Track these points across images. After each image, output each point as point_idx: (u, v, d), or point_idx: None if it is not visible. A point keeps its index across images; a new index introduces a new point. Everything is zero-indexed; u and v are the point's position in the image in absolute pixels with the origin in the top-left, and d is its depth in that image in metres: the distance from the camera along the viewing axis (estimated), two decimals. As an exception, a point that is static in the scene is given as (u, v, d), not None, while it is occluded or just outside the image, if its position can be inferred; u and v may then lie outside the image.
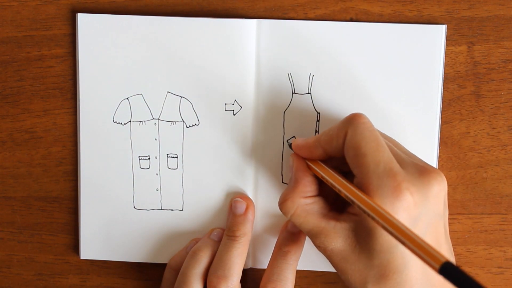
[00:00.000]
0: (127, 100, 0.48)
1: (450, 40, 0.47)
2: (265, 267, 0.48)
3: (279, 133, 0.48)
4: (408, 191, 0.39)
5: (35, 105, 0.49)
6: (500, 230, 0.48)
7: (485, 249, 0.48)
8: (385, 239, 0.39)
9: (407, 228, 0.36)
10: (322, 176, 0.42)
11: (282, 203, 0.43)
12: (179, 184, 0.49)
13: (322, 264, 0.48)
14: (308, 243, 0.48)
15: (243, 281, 0.48)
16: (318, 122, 0.47)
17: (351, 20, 0.47)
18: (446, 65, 0.47)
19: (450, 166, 0.48)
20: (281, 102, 0.47)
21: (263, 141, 0.48)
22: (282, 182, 0.48)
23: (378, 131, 0.42)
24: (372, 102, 0.47)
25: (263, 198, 0.48)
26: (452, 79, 0.47)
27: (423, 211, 0.39)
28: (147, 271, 0.51)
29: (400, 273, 0.40)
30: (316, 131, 0.47)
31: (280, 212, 0.48)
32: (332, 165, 0.43)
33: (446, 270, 0.33)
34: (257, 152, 0.48)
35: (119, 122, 0.48)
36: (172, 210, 0.49)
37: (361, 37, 0.46)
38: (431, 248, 0.34)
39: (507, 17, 0.46)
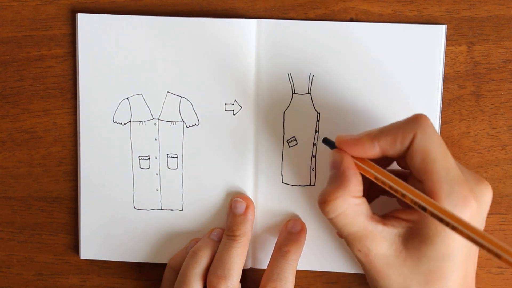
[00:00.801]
0: (127, 100, 0.48)
1: (450, 40, 0.47)
2: (265, 267, 0.48)
3: (279, 133, 0.48)
4: (474, 198, 0.39)
5: (35, 105, 0.49)
6: (500, 230, 0.48)
7: (485, 249, 0.48)
8: (442, 247, 0.39)
9: (487, 234, 0.36)
10: (376, 178, 0.40)
11: (329, 201, 0.40)
12: (179, 184, 0.49)
13: (322, 264, 0.48)
14: (308, 243, 0.48)
15: (243, 281, 0.48)
16: (318, 122, 0.47)
17: (351, 20, 0.47)
18: (446, 65, 0.47)
19: (450, 166, 0.48)
20: (281, 102, 0.47)
21: (263, 141, 0.48)
22: (282, 182, 0.48)
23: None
24: (372, 102, 0.47)
25: (263, 198, 0.48)
26: (452, 79, 0.47)
27: (480, 219, 0.41)
28: (147, 271, 0.51)
29: (447, 279, 0.40)
30: (316, 131, 0.47)
31: (280, 212, 0.48)
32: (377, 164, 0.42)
33: None
34: (257, 152, 0.48)
35: (119, 122, 0.48)
36: (172, 210, 0.49)
37: (361, 37, 0.46)
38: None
39: (507, 17, 0.46)
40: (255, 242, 0.49)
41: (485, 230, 0.48)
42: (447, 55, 0.47)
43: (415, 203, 0.38)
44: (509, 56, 0.47)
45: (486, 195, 0.41)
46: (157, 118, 0.48)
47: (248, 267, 0.49)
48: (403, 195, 0.39)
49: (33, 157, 0.50)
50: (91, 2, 0.48)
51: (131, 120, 0.48)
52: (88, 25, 0.48)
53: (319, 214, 0.48)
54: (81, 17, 0.48)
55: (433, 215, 0.38)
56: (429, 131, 0.39)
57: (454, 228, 0.37)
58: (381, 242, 0.41)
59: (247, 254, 0.48)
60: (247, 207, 0.47)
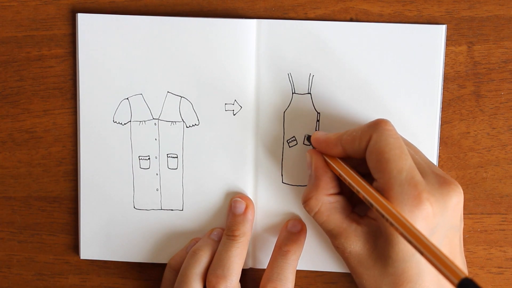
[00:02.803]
0: (127, 100, 0.48)
1: (450, 40, 0.47)
2: (265, 267, 0.48)
3: (279, 133, 0.48)
4: (428, 201, 0.39)
5: (35, 105, 0.49)
6: (500, 230, 0.48)
7: (485, 249, 0.48)
8: (401, 248, 0.39)
9: (426, 239, 0.35)
10: (340, 174, 0.42)
11: (305, 201, 0.43)
12: (179, 184, 0.49)
13: (322, 264, 0.48)
14: (308, 243, 0.48)
15: (243, 281, 0.48)
16: (318, 122, 0.47)
17: (351, 20, 0.47)
18: (446, 65, 0.47)
19: (450, 166, 0.48)
20: (281, 102, 0.47)
21: (263, 141, 0.48)
22: (282, 182, 0.48)
23: (402, 138, 0.42)
24: (372, 102, 0.47)
25: (263, 198, 0.48)
26: (452, 79, 0.47)
27: (441, 222, 0.40)
28: (147, 271, 0.51)
29: (414, 283, 0.40)
30: (316, 131, 0.47)
31: (280, 212, 0.48)
32: (350, 164, 0.43)
33: (465, 286, 0.32)
34: (257, 152, 0.48)
35: (119, 122, 0.48)
36: (172, 210, 0.49)
37: (361, 37, 0.46)
38: (451, 262, 0.33)
39: (507, 17, 0.46)
40: (255, 242, 0.49)
41: (485, 230, 0.48)
42: (447, 55, 0.47)
43: (365, 199, 0.40)
44: (509, 56, 0.47)
45: (452, 198, 0.40)
46: (157, 118, 0.48)
47: (248, 267, 0.49)
48: (357, 191, 0.40)
49: (33, 157, 0.50)
50: (91, 2, 0.48)
51: (131, 120, 0.48)
52: (88, 25, 0.48)
53: (319, 214, 0.48)
54: (81, 17, 0.48)
55: (378, 212, 0.38)
56: (386, 134, 0.40)
57: (392, 225, 0.37)
58: (355, 240, 0.42)
59: (247, 254, 0.48)
60: (246, 207, 0.47)
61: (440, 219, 0.39)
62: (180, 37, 0.47)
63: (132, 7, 0.48)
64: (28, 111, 0.50)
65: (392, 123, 0.46)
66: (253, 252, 0.49)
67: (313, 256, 0.48)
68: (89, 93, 0.48)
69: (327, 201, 0.42)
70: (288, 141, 0.48)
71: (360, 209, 0.44)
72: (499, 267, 0.48)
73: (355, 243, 0.42)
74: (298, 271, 0.48)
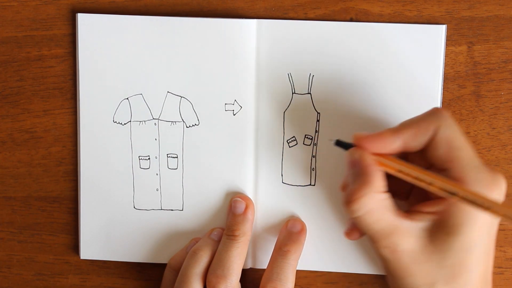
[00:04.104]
0: (127, 100, 0.48)
1: (450, 40, 0.47)
2: (265, 267, 0.48)
3: (279, 133, 0.48)
4: (504, 182, 0.40)
5: (35, 105, 0.49)
6: (500, 230, 0.48)
7: (485, 249, 0.48)
8: (467, 237, 0.40)
9: None
10: (400, 170, 0.40)
11: (355, 200, 0.40)
12: (179, 184, 0.49)
13: (322, 264, 0.48)
14: (308, 243, 0.48)
15: (243, 281, 0.48)
16: (318, 122, 0.47)
17: (351, 20, 0.47)
18: (446, 65, 0.47)
19: (450, 166, 0.48)
20: (281, 102, 0.47)
21: (263, 141, 0.48)
22: (282, 182, 0.48)
23: None
24: (372, 102, 0.47)
25: (263, 198, 0.48)
26: (452, 79, 0.47)
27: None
28: (147, 271, 0.51)
29: (470, 272, 0.40)
30: (316, 131, 0.47)
31: (280, 212, 0.48)
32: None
33: None
34: (257, 152, 0.48)
35: (119, 122, 0.48)
36: (172, 210, 0.49)
37: (361, 37, 0.46)
38: None
39: (507, 17, 0.46)
40: (255, 242, 0.49)
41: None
42: (447, 55, 0.47)
43: (444, 189, 0.39)
44: (509, 56, 0.47)
45: (503, 184, 0.41)
46: (157, 118, 0.48)
47: (248, 267, 0.49)
48: (430, 183, 0.39)
49: (33, 157, 0.50)
50: (91, 2, 0.48)
51: (131, 120, 0.48)
52: (88, 25, 0.48)
53: (319, 214, 0.48)
54: (81, 17, 0.48)
55: (464, 199, 0.38)
56: (451, 122, 0.40)
57: (488, 209, 0.37)
58: (408, 237, 0.40)
59: (247, 254, 0.48)
60: (246, 207, 0.47)
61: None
62: (180, 37, 0.47)
63: (132, 7, 0.48)
64: (28, 111, 0.50)
65: (392, 123, 0.47)
66: (253, 252, 0.49)
67: (313, 256, 0.48)
68: (89, 93, 0.48)
69: (379, 198, 0.40)
70: (288, 141, 0.48)
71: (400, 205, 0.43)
72: (499, 267, 0.48)
73: (408, 240, 0.40)
74: (298, 271, 0.48)
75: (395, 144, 0.41)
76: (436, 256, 0.40)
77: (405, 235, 0.40)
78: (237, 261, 0.45)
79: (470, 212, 0.40)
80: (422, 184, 0.40)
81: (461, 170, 0.40)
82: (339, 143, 0.43)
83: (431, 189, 0.39)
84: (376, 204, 0.40)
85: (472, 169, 0.40)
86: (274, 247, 0.47)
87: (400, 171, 0.40)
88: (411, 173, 0.40)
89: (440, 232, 0.40)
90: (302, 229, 0.47)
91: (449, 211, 0.40)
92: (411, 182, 0.40)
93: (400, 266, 0.41)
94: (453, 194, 0.39)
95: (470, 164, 0.40)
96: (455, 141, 0.40)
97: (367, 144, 0.41)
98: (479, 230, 0.40)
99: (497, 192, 0.40)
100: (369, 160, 0.41)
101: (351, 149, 0.42)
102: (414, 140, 0.41)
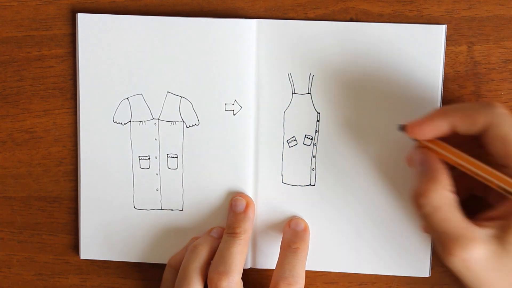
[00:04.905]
0: (127, 100, 0.48)
1: (450, 40, 0.47)
2: (265, 267, 0.48)
3: (279, 133, 0.48)
4: None
5: (35, 105, 0.49)
6: None
7: (485, 249, 0.48)
8: None
9: None
10: (459, 164, 0.40)
11: (423, 193, 0.39)
12: (179, 184, 0.49)
13: (322, 264, 0.48)
14: (310, 243, 0.48)
15: (243, 281, 0.48)
16: (318, 122, 0.47)
17: (351, 20, 0.47)
18: (446, 65, 0.47)
19: (450, 166, 0.48)
20: (281, 102, 0.47)
21: (263, 141, 0.48)
22: (282, 182, 0.48)
23: None
24: (372, 102, 0.47)
25: (263, 198, 0.48)
26: (452, 79, 0.47)
27: None
28: (147, 271, 0.51)
29: None
30: (316, 131, 0.47)
31: (280, 212, 0.48)
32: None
33: None
34: (257, 152, 0.48)
35: (119, 122, 0.48)
36: (172, 210, 0.49)
37: (361, 37, 0.46)
38: None
39: (507, 17, 0.46)
40: (255, 242, 0.49)
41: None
42: (447, 55, 0.47)
43: (499, 187, 0.38)
44: (509, 56, 0.47)
45: None
46: (157, 118, 0.48)
47: (248, 267, 0.49)
48: (490, 181, 0.39)
49: (33, 157, 0.50)
50: (91, 2, 0.48)
51: (131, 120, 0.48)
52: (88, 25, 0.48)
53: (319, 214, 0.48)
54: (81, 17, 0.48)
55: None
56: (508, 118, 0.39)
57: None
58: (478, 243, 0.39)
59: (247, 254, 0.48)
60: (247, 206, 0.47)
61: None
62: (180, 37, 0.47)
63: (132, 7, 0.48)
64: (28, 111, 0.50)
65: (393, 123, 0.47)
66: (253, 252, 0.49)
67: (313, 256, 0.48)
68: (89, 93, 0.48)
69: (448, 196, 0.39)
70: (288, 141, 0.48)
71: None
72: (499, 267, 0.48)
73: (479, 246, 0.39)
74: (298, 271, 0.48)
75: (443, 126, 0.40)
76: (507, 260, 0.39)
77: (475, 241, 0.39)
78: (238, 257, 0.45)
79: None
80: (482, 179, 0.39)
81: None
82: (401, 128, 0.42)
83: (492, 185, 0.39)
84: (444, 201, 0.39)
85: None
86: (281, 245, 0.47)
87: (460, 165, 0.40)
88: (472, 169, 0.39)
89: (510, 236, 0.39)
90: (306, 227, 0.47)
91: None
92: (471, 175, 0.39)
93: (471, 274, 0.39)
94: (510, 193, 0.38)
95: None
96: (511, 138, 0.39)
97: (417, 128, 0.41)
98: None
99: None
100: (433, 157, 0.41)
101: (415, 149, 0.42)
102: (462, 124, 0.40)
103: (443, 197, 0.39)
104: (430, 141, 0.41)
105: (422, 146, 0.42)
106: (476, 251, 0.39)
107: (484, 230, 0.39)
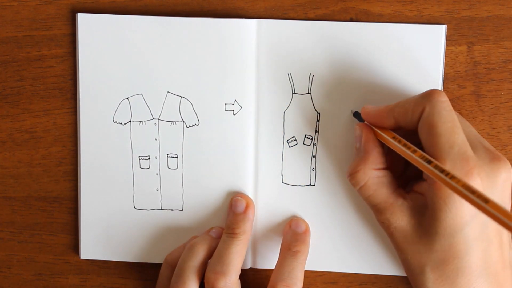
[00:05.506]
0: (127, 100, 0.48)
1: (450, 40, 0.47)
2: (265, 267, 0.48)
3: (279, 133, 0.48)
4: (478, 176, 0.39)
5: (35, 105, 0.50)
6: None
7: (485, 249, 0.48)
8: (449, 223, 0.39)
9: (485, 195, 0.34)
10: (391, 143, 0.41)
11: (352, 174, 0.43)
12: (179, 184, 0.49)
13: (322, 264, 0.49)
14: (310, 244, 0.48)
15: (242, 281, 0.48)
16: (318, 122, 0.47)
17: (351, 20, 0.47)
18: (446, 65, 0.47)
19: (450, 166, 0.48)
20: (281, 102, 0.47)
21: (263, 141, 0.48)
22: (282, 182, 0.48)
23: (454, 111, 0.41)
24: (372, 102, 0.47)
25: (263, 199, 0.48)
26: (452, 79, 0.47)
27: (490, 197, 0.40)
28: (147, 271, 0.51)
29: (461, 258, 0.40)
30: (316, 131, 0.47)
31: (280, 213, 0.48)
32: (399, 135, 0.42)
33: None
34: (257, 152, 0.48)
35: (119, 122, 0.48)
36: (172, 210, 0.49)
37: (361, 37, 0.46)
38: None
39: (507, 17, 0.46)
40: (255, 242, 0.49)
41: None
42: (447, 55, 0.47)
43: (417, 162, 0.39)
44: (509, 56, 0.47)
45: (501, 174, 0.40)
46: (157, 118, 0.48)
47: (248, 267, 0.49)
48: (411, 158, 0.39)
49: (33, 157, 0.50)
50: (91, 2, 0.48)
51: (131, 120, 0.48)
52: (88, 25, 0.48)
53: (319, 214, 0.48)
54: (81, 17, 0.48)
55: (432, 173, 0.37)
56: (439, 106, 0.40)
57: (447, 185, 0.36)
58: (401, 215, 0.42)
59: (247, 254, 0.48)
60: (247, 206, 0.47)
61: (490, 194, 0.39)
62: (180, 37, 0.47)
63: (132, 7, 0.48)
64: (28, 111, 0.50)
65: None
66: (253, 252, 0.49)
67: (313, 256, 0.48)
68: (89, 93, 0.48)
69: (374, 175, 0.42)
70: (288, 141, 0.48)
71: (405, 186, 0.44)
72: None
73: (401, 218, 0.42)
74: (298, 271, 0.48)
75: (389, 121, 0.42)
76: (425, 239, 0.41)
77: (397, 213, 0.42)
78: (237, 258, 0.45)
79: (450, 196, 0.39)
80: (406, 157, 0.40)
81: (438, 158, 0.39)
82: (356, 115, 0.46)
83: (415, 156, 0.39)
84: (370, 180, 0.42)
85: (448, 158, 0.39)
86: (281, 247, 0.47)
87: (391, 144, 0.41)
88: (397, 145, 0.41)
89: (427, 215, 0.40)
90: (307, 229, 0.47)
91: (429, 193, 0.40)
92: (401, 154, 0.41)
93: (394, 242, 0.43)
94: (428, 161, 0.38)
95: (447, 153, 0.39)
96: (436, 127, 0.39)
97: (368, 118, 0.44)
98: (462, 216, 0.39)
99: (476, 182, 0.39)
100: (367, 137, 0.43)
101: (356, 125, 0.45)
102: (403, 119, 0.41)
103: (369, 176, 0.42)
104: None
105: (359, 124, 0.45)
106: (398, 220, 0.42)
107: (409, 203, 0.42)
